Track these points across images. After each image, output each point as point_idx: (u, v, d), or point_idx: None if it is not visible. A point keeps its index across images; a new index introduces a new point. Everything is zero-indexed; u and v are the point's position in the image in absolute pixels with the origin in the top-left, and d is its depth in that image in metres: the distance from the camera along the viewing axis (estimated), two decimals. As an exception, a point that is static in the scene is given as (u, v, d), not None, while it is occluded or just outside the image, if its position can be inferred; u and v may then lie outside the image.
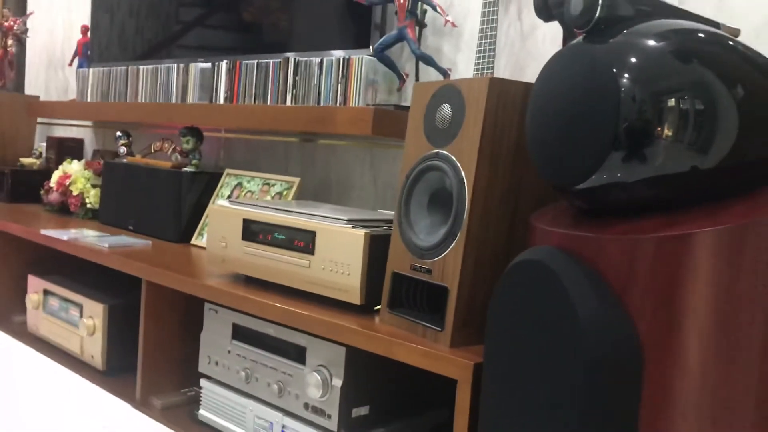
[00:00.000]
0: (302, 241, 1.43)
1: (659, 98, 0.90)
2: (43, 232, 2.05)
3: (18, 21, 3.09)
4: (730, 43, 0.95)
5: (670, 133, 0.90)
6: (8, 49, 3.07)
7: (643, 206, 0.95)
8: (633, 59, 0.92)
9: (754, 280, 0.85)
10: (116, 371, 1.96)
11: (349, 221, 1.38)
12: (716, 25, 1.04)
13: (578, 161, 0.94)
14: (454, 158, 1.20)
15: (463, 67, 1.78)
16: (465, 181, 1.17)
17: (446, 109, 1.23)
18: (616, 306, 0.89)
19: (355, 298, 1.34)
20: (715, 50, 0.93)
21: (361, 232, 1.33)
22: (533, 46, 1.65)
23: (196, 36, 2.40)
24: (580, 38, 0.99)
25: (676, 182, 0.92)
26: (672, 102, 0.90)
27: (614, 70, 0.91)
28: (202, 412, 1.64)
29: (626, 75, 0.91)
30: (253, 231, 1.53)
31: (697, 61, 0.91)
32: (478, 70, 1.59)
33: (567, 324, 0.91)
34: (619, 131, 0.91)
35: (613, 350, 0.88)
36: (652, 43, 0.92)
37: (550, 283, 0.94)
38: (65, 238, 1.98)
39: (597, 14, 0.94)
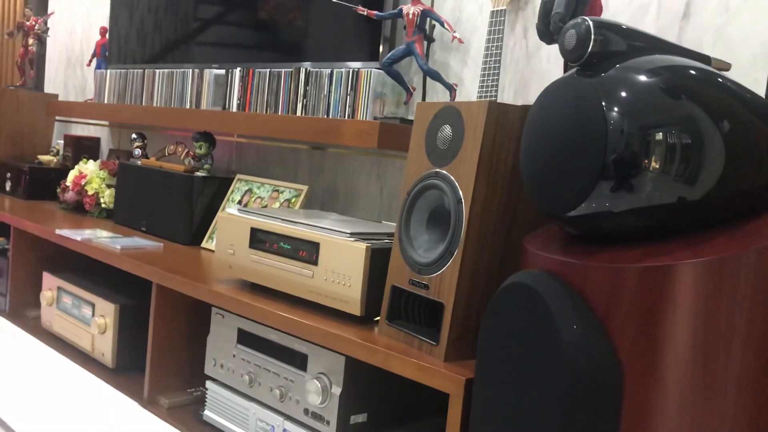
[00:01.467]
0: (306, 252, 1.47)
1: (647, 131, 0.94)
2: (58, 231, 2.11)
3: (39, 21, 3.16)
4: (718, 78, 0.98)
5: (657, 166, 0.94)
6: (29, 48, 3.14)
7: (630, 234, 0.98)
8: (623, 93, 0.95)
9: (732, 311, 0.89)
10: (126, 369, 2.01)
11: (352, 234, 1.42)
12: (707, 59, 1.07)
13: (568, 190, 0.98)
14: (452, 178, 1.24)
15: (470, 82, 1.81)
16: (462, 201, 1.21)
17: (447, 129, 1.27)
18: (598, 331, 0.93)
19: (356, 310, 1.38)
20: (702, 86, 0.97)
21: (362, 246, 1.38)
22: (537, 65, 1.68)
23: (211, 42, 2.45)
24: (573, 70, 1.02)
25: (663, 213, 0.95)
26: (659, 135, 0.94)
27: (604, 103, 0.95)
28: (207, 413, 1.70)
29: (615, 108, 0.95)
30: (259, 240, 1.57)
31: (685, 96, 0.95)
32: (482, 87, 1.63)
33: (552, 346, 0.95)
34: (607, 162, 0.94)
35: (594, 373, 0.92)
36: (641, 78, 0.96)
37: (537, 307, 0.98)
38: (79, 238, 2.03)
39: (590, 49, 0.98)
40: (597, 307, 0.94)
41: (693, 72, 0.98)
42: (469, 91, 1.82)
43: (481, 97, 1.63)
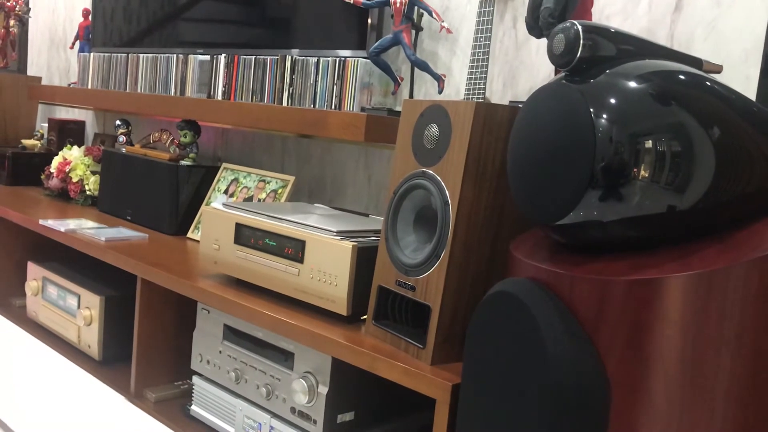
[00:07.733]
0: (292, 249, 1.45)
1: (636, 139, 0.92)
2: (42, 222, 2.08)
3: (20, 1, 3.09)
4: (708, 83, 0.96)
5: (646, 174, 0.92)
6: (10, 29, 3.08)
7: (619, 243, 0.97)
8: (611, 100, 0.93)
9: (720, 325, 0.87)
10: (112, 361, 2.00)
11: (338, 233, 1.40)
12: (698, 62, 1.05)
13: (555, 198, 0.96)
14: (439, 179, 1.22)
15: (458, 72, 1.78)
16: (449, 203, 1.19)
17: (434, 129, 1.25)
18: (585, 343, 0.92)
19: (342, 309, 1.37)
20: (693, 92, 0.95)
21: (349, 245, 1.36)
22: (527, 56, 1.65)
23: (195, 28, 2.40)
24: (561, 75, 1.00)
25: (653, 222, 0.94)
26: (649, 143, 0.92)
27: (592, 110, 0.93)
28: (194, 407, 1.69)
29: (604, 115, 0.93)
30: (245, 235, 1.55)
31: (675, 103, 0.93)
32: (471, 79, 1.60)
33: (538, 358, 0.94)
34: (595, 171, 0.93)
35: (580, 387, 0.91)
36: (631, 84, 0.94)
37: (523, 317, 0.96)
38: (62, 230, 2.01)
39: (578, 54, 0.96)
40: (584, 320, 0.93)
41: (683, 77, 0.96)
42: (457, 81, 1.79)
43: (469, 89, 1.60)
